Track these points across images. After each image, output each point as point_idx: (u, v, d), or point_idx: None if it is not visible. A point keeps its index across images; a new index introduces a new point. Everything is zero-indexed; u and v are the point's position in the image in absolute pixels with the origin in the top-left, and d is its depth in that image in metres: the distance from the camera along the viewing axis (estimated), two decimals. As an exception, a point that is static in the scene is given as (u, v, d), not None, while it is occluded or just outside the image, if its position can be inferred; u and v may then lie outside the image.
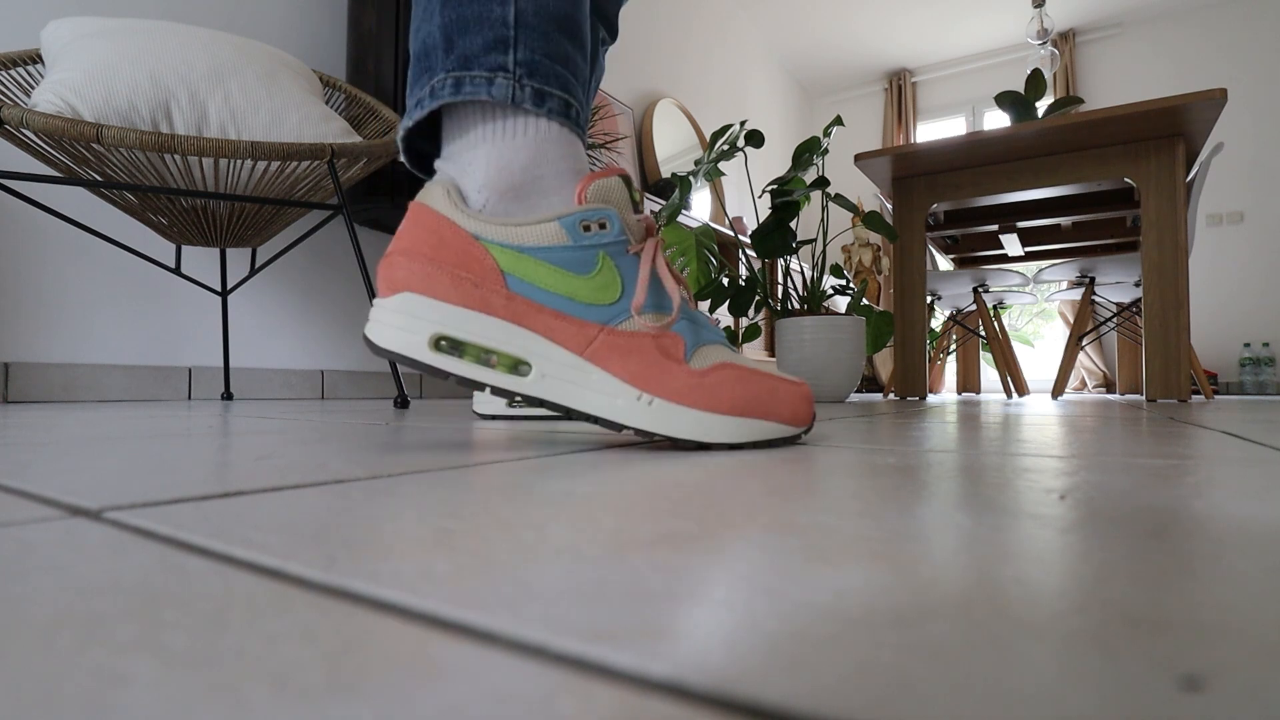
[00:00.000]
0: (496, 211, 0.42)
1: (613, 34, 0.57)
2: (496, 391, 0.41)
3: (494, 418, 0.79)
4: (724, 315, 3.32)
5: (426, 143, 0.48)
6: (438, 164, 0.44)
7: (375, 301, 0.42)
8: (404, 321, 0.40)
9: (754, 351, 3.47)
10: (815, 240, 1.77)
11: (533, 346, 0.40)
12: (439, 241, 0.40)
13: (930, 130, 4.73)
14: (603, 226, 0.41)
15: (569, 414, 0.41)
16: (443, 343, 0.40)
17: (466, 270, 0.40)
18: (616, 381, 0.41)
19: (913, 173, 1.97)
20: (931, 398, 2.52)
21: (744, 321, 3.37)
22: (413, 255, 0.40)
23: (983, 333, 2.62)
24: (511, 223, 0.40)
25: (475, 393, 0.81)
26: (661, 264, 0.42)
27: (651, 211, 2.45)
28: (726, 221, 3.30)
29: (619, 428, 0.41)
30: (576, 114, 0.45)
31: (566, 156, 0.44)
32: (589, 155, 1.58)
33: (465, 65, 0.42)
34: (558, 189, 0.43)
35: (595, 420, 0.41)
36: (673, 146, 3.16)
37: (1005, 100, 1.96)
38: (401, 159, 0.47)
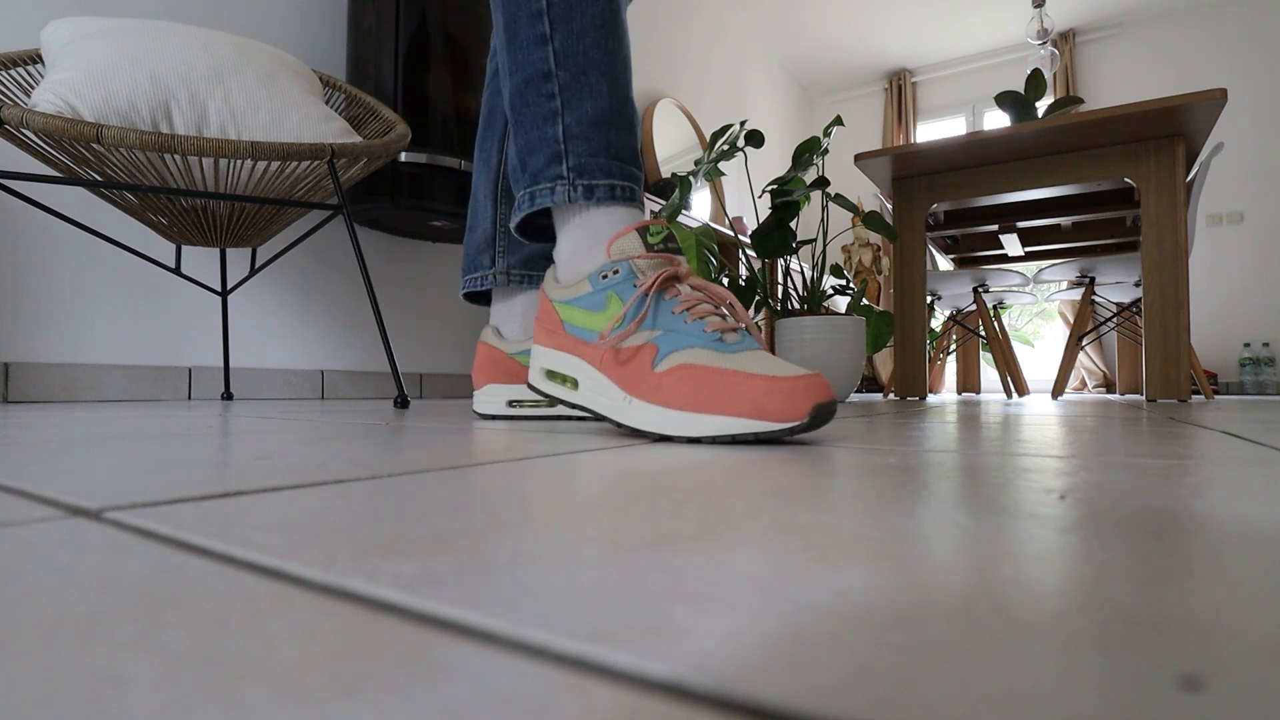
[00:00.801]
0: (565, 279, 0.60)
1: None
2: (568, 404, 0.57)
3: (494, 417, 0.79)
4: (724, 315, 3.31)
5: (532, 231, 0.68)
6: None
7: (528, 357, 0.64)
8: (533, 365, 0.60)
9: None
10: (815, 240, 1.77)
11: (579, 367, 0.55)
12: (543, 311, 0.60)
13: (930, 130, 4.73)
14: (616, 273, 0.54)
15: (595, 415, 0.54)
16: (550, 374, 0.58)
17: (550, 324, 0.58)
18: (613, 386, 0.52)
19: (913, 173, 1.97)
20: (931, 398, 2.52)
21: (744, 321, 3.36)
22: (537, 322, 0.62)
23: (983, 333, 2.62)
24: (564, 286, 0.57)
25: (475, 392, 0.81)
26: (651, 290, 0.52)
27: (652, 212, 2.45)
28: (726, 221, 3.30)
29: (615, 423, 0.53)
30: (621, 191, 0.59)
31: (605, 228, 0.59)
32: None
33: (535, 181, 0.60)
34: (596, 254, 0.58)
35: (604, 419, 0.53)
36: (673, 146, 3.16)
37: (1005, 100, 1.96)
38: (514, 231, 0.70)
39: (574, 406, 0.56)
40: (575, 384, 0.56)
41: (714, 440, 0.45)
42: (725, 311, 0.53)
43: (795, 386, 0.43)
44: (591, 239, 0.58)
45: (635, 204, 0.60)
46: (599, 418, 0.54)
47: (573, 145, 0.58)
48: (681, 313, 0.52)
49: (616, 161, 0.59)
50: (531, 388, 0.60)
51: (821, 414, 0.43)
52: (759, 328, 1.94)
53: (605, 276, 0.54)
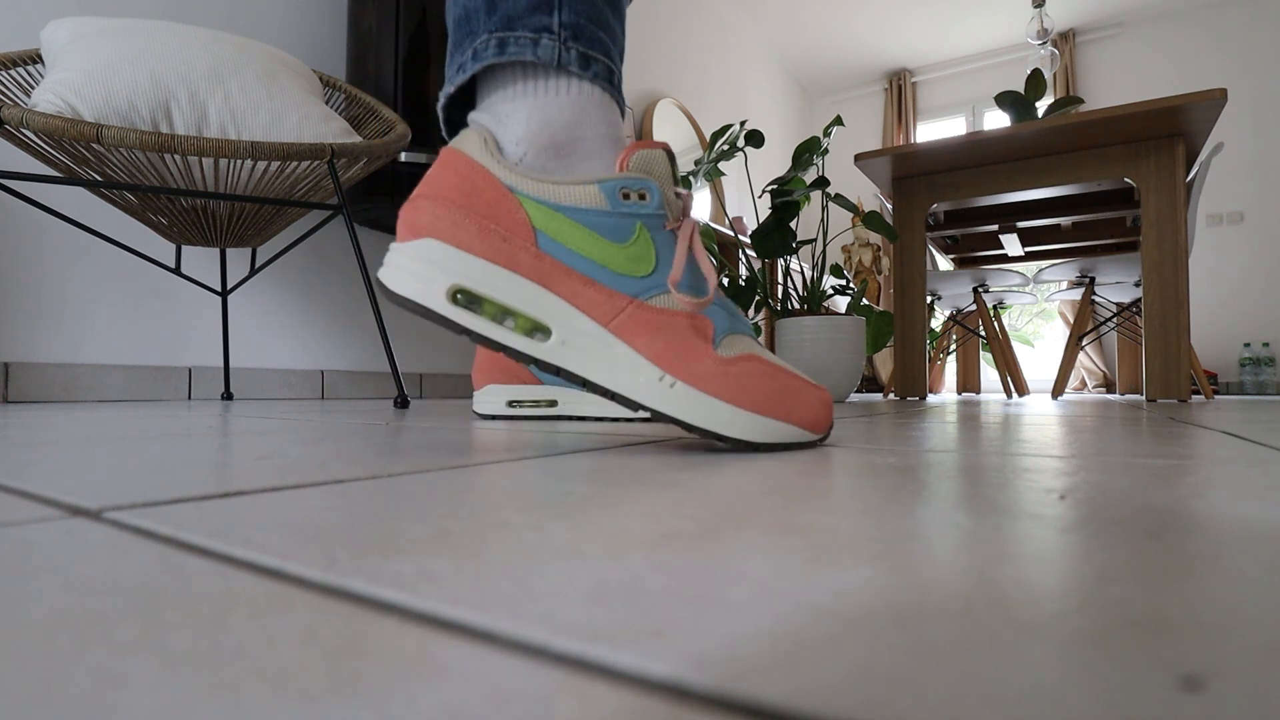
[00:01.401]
0: (534, 166, 0.41)
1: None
2: (511, 354, 0.39)
3: (494, 418, 0.79)
4: (724, 315, 3.31)
5: (466, 112, 0.46)
6: (471, 116, 0.43)
7: (393, 246, 0.39)
8: (423, 269, 0.38)
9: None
10: (815, 240, 1.77)
11: (556, 311, 0.38)
12: (470, 189, 0.39)
13: (930, 130, 4.73)
14: (643, 197, 0.40)
15: (585, 385, 0.39)
16: (459, 296, 0.38)
17: (496, 222, 0.38)
18: (639, 358, 0.39)
19: (913, 173, 1.97)
20: (931, 398, 2.52)
21: (744, 321, 3.36)
22: (439, 200, 0.38)
23: (983, 333, 2.62)
24: (549, 179, 0.39)
25: (475, 393, 0.81)
26: (698, 244, 0.41)
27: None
28: (726, 221, 3.30)
29: (635, 407, 0.39)
30: (618, 81, 0.45)
31: (608, 122, 0.43)
32: None
33: (509, 25, 0.42)
34: (599, 153, 0.42)
35: (612, 396, 0.39)
36: (673, 146, 3.15)
37: (1005, 100, 1.96)
38: (443, 132, 0.48)
39: (522, 357, 0.39)
40: (533, 329, 0.38)
41: (771, 448, 0.41)
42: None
43: (828, 399, 0.43)
44: (588, 127, 0.42)
45: (625, 107, 0.47)
46: (587, 387, 0.39)
47: None
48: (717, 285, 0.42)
49: (613, 45, 0.45)
50: (395, 296, 0.38)
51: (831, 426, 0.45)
52: (759, 328, 1.94)
53: (627, 196, 0.39)
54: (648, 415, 0.47)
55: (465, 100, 0.46)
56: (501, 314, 0.38)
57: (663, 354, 0.38)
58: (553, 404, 0.77)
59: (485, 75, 0.43)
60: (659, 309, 0.39)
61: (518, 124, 0.41)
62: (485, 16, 0.42)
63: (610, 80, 0.44)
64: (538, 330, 0.39)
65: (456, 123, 0.47)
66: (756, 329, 1.92)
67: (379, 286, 0.39)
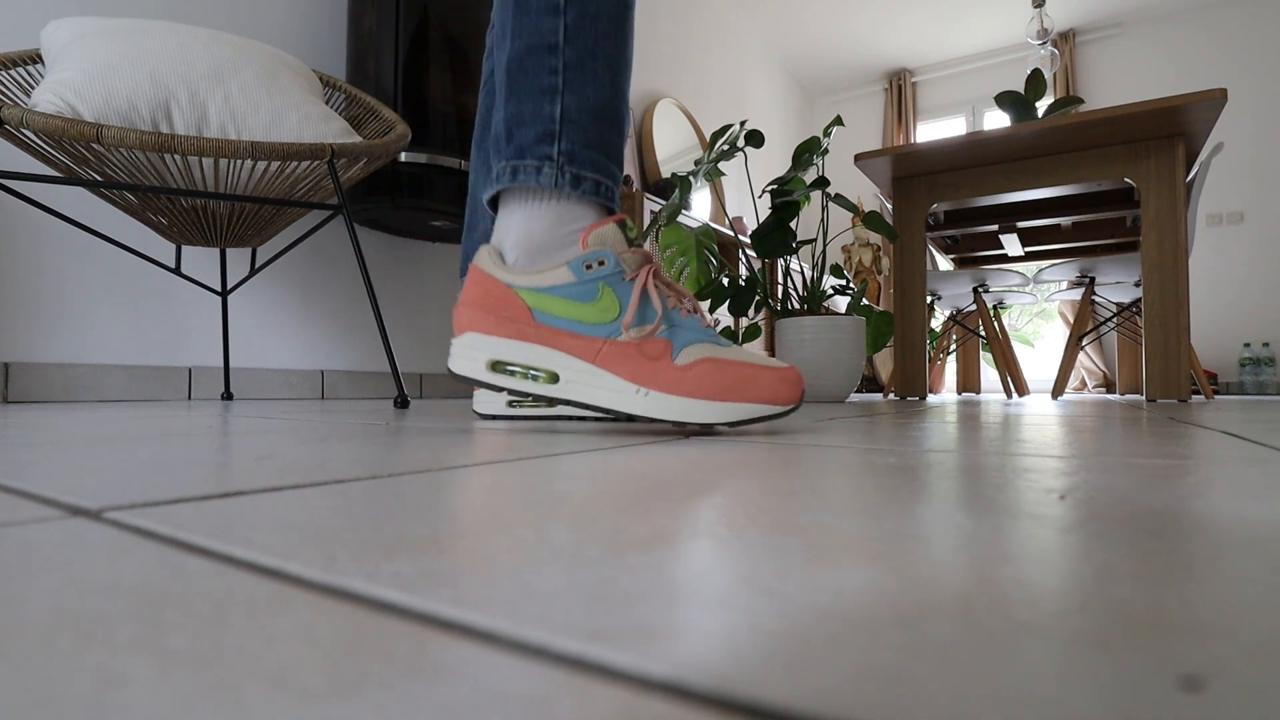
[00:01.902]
0: (524, 265, 0.56)
1: None
2: (537, 398, 0.55)
3: (494, 417, 0.79)
4: (724, 315, 3.32)
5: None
6: (493, 235, 0.59)
7: (452, 340, 0.57)
8: (468, 353, 0.55)
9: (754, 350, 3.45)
10: (815, 240, 1.77)
11: (557, 360, 0.53)
12: (485, 292, 0.55)
13: (930, 130, 4.72)
14: (601, 264, 0.53)
15: (586, 408, 0.53)
16: (498, 365, 0.54)
17: (505, 311, 0.54)
18: (620, 380, 0.52)
19: (913, 173, 1.97)
20: (931, 398, 2.52)
21: (744, 321, 3.37)
22: (470, 305, 0.55)
23: (983, 333, 2.62)
24: (534, 271, 0.54)
25: (475, 393, 0.81)
26: (650, 285, 0.53)
27: (652, 211, 2.45)
28: (726, 221, 3.30)
29: (627, 416, 0.53)
30: (605, 190, 0.58)
31: (587, 218, 0.57)
32: None
33: (520, 155, 0.56)
34: (572, 244, 0.56)
35: (607, 412, 0.53)
36: (673, 146, 3.16)
37: (1005, 100, 1.96)
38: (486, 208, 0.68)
39: (540, 400, 0.55)
40: (552, 377, 0.53)
41: (734, 425, 0.52)
42: (696, 308, 0.58)
43: (790, 376, 0.53)
44: (565, 227, 0.56)
45: (613, 204, 0.60)
46: (588, 409, 0.54)
47: (568, 129, 0.56)
48: (675, 308, 0.54)
49: (605, 159, 0.58)
50: (458, 377, 0.55)
51: (802, 397, 0.54)
52: (759, 328, 1.94)
53: (589, 267, 0.53)
54: (635, 426, 0.62)
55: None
56: (528, 371, 0.54)
57: (636, 373, 0.52)
58: (553, 404, 0.77)
59: (504, 190, 0.59)
60: (626, 342, 0.53)
61: (510, 235, 0.57)
62: (505, 144, 0.57)
63: (596, 192, 0.57)
64: (549, 376, 0.54)
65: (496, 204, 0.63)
66: (756, 329, 1.92)
67: (449, 372, 0.57)
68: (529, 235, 0.56)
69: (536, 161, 0.56)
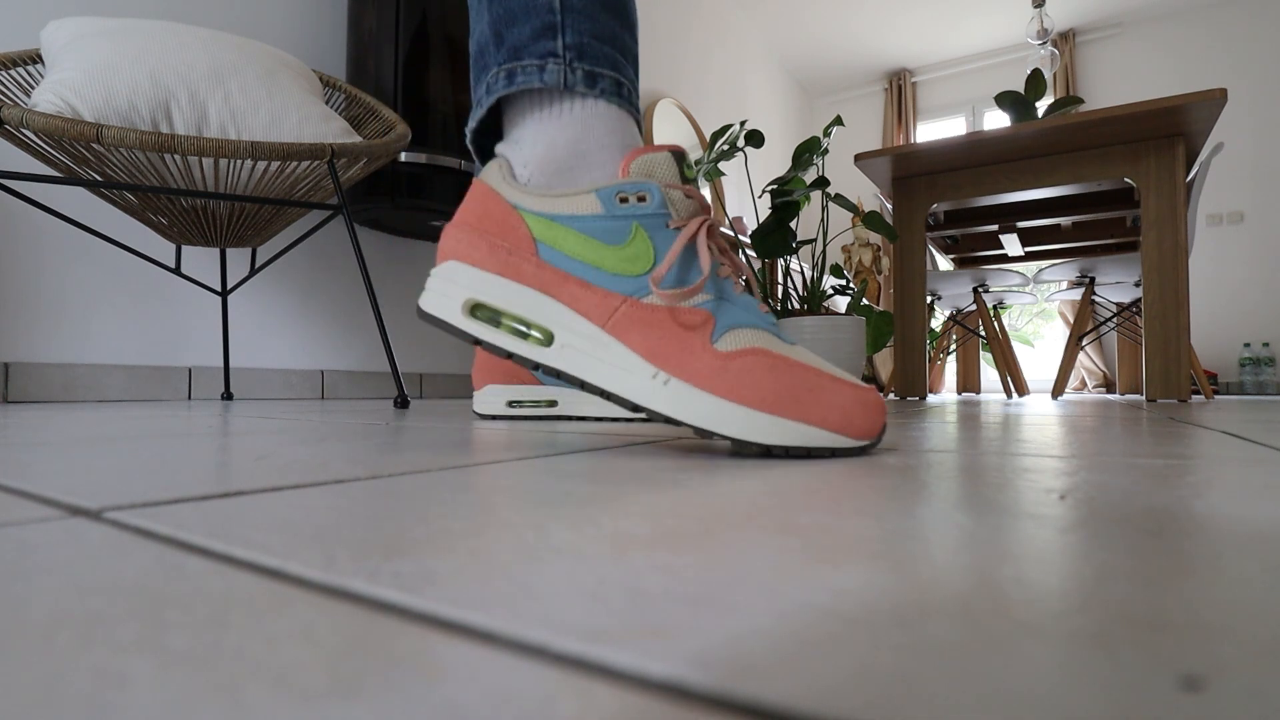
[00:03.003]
0: (539, 185, 0.43)
1: None
2: (521, 361, 0.40)
3: (494, 418, 0.79)
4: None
5: (493, 139, 0.49)
6: (498, 147, 0.46)
7: (431, 271, 0.42)
8: (444, 287, 0.41)
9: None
10: (815, 240, 1.77)
11: (557, 316, 0.40)
12: (483, 211, 0.42)
13: (930, 130, 4.72)
14: (642, 199, 0.40)
15: (582, 386, 0.40)
16: (479, 309, 0.40)
17: (503, 238, 0.41)
18: (633, 356, 0.38)
19: (913, 173, 1.97)
20: (931, 398, 2.52)
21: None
22: (460, 225, 0.42)
23: (983, 333, 2.62)
24: (549, 194, 0.41)
25: (475, 393, 0.81)
26: (703, 240, 0.40)
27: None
28: (726, 221, 3.30)
29: (634, 407, 0.38)
30: (628, 92, 0.46)
31: (615, 132, 0.44)
32: None
33: (516, 56, 0.44)
34: (602, 164, 0.43)
35: (609, 397, 0.39)
36: (673, 146, 3.15)
37: (1005, 100, 1.96)
38: (475, 162, 0.49)
39: (527, 363, 0.40)
40: (546, 337, 0.40)
41: (786, 453, 0.37)
42: (754, 290, 0.45)
43: (870, 399, 0.38)
44: (593, 141, 0.44)
45: (639, 115, 0.47)
46: (586, 389, 0.40)
47: (571, 19, 0.44)
48: (728, 278, 0.40)
49: (620, 57, 0.46)
50: (426, 316, 0.42)
51: (883, 432, 0.39)
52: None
53: (625, 200, 0.40)
54: (645, 416, 0.47)
55: (495, 129, 0.49)
56: (513, 321, 0.40)
57: (656, 350, 0.38)
58: (553, 404, 0.77)
59: (504, 104, 0.46)
60: (653, 306, 0.38)
61: (525, 148, 0.44)
62: (494, 50, 0.45)
63: (618, 93, 0.45)
64: (544, 336, 0.40)
65: (488, 151, 0.49)
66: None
67: (417, 309, 0.42)
68: (550, 147, 0.43)
69: (538, 60, 0.43)
